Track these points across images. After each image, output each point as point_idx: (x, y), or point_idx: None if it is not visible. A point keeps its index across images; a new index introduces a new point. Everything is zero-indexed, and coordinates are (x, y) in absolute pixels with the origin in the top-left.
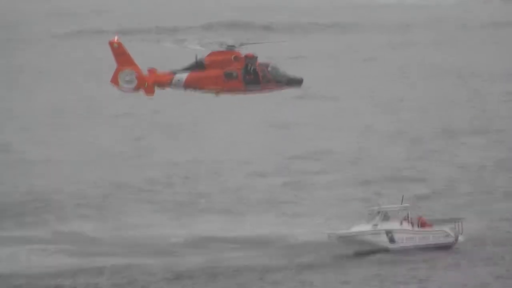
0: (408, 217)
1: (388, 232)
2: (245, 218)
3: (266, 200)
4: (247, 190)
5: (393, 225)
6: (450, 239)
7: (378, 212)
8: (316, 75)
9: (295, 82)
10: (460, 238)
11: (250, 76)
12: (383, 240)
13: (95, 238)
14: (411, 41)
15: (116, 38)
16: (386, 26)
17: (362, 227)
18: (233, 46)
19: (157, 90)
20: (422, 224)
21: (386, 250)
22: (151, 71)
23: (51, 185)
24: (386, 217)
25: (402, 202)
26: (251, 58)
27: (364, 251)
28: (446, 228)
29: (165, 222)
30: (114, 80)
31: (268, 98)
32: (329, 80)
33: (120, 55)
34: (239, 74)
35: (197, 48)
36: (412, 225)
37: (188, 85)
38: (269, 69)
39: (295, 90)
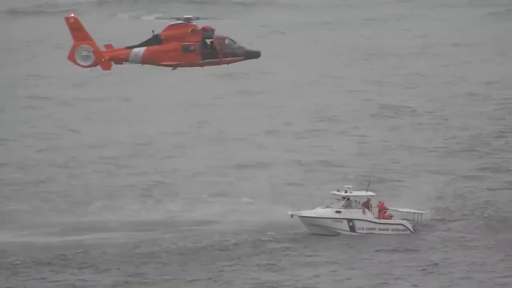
0: (369, 203)
1: (350, 221)
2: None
3: None
4: None
5: (355, 213)
6: (407, 233)
7: (343, 198)
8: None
9: (253, 54)
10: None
11: (208, 49)
12: (344, 228)
13: None
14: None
15: (72, 14)
16: None
17: (325, 211)
18: (189, 18)
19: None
20: (381, 209)
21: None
22: (108, 46)
23: None
24: (349, 203)
25: (367, 189)
26: (208, 31)
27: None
28: (405, 222)
29: None
30: (71, 57)
31: None
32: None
33: (76, 30)
34: (197, 47)
35: (154, 21)
36: (372, 211)
37: (145, 60)
38: (226, 42)
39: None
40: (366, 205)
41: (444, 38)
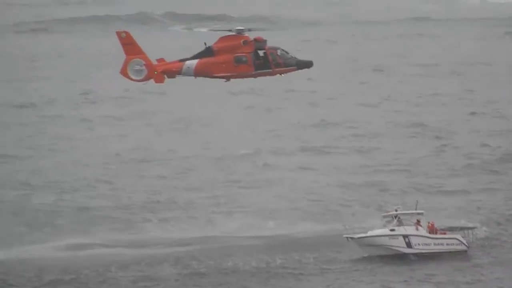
0: (419, 222)
1: (405, 237)
2: None
3: None
4: None
5: (410, 229)
6: (463, 247)
7: (394, 217)
8: None
9: (305, 64)
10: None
11: (260, 60)
12: (401, 245)
13: None
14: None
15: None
16: None
17: (380, 231)
18: (241, 30)
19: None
20: (432, 230)
21: (402, 254)
22: (160, 60)
23: None
24: (400, 222)
25: (416, 207)
26: (260, 42)
27: (380, 255)
28: (459, 236)
29: None
30: (124, 71)
31: None
32: None
33: (128, 44)
34: (249, 58)
35: (206, 32)
36: (424, 228)
37: (198, 72)
38: (279, 52)
39: None
40: (418, 223)
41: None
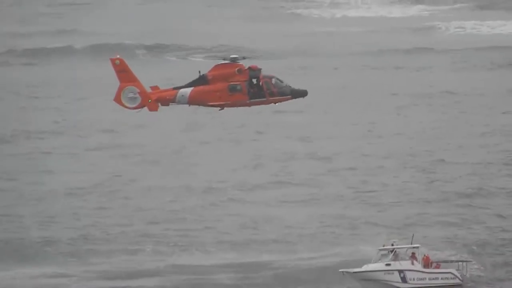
0: (415, 255)
1: (401, 272)
2: None
3: None
4: None
5: (405, 264)
6: (457, 281)
7: (391, 251)
8: None
9: (300, 93)
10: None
11: (254, 89)
12: (396, 280)
13: None
14: None
15: (117, 55)
16: None
17: (375, 265)
18: (236, 58)
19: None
20: (426, 263)
21: None
22: (154, 88)
23: None
24: (396, 256)
25: (412, 241)
26: (254, 70)
27: None
28: (453, 270)
29: None
30: (117, 98)
31: None
32: None
33: (122, 72)
34: (244, 87)
35: (201, 61)
36: (419, 262)
37: (192, 100)
38: (273, 81)
39: None
40: (413, 257)
41: None
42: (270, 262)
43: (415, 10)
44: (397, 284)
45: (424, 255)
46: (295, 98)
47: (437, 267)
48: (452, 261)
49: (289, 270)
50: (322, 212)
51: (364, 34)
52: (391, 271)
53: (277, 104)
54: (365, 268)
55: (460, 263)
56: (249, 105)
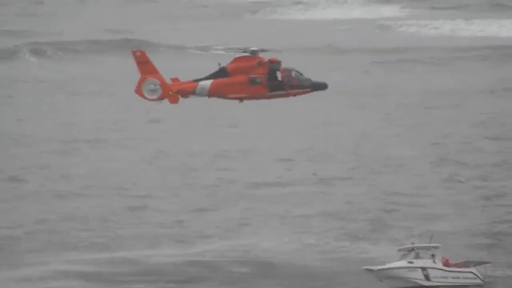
0: (434, 256)
1: (424, 269)
2: None
3: None
4: None
5: (428, 262)
6: (478, 281)
7: (412, 250)
8: None
9: (320, 86)
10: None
11: (274, 81)
12: (419, 277)
13: None
14: None
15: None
16: None
17: (398, 263)
18: (255, 50)
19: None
20: (446, 264)
21: (420, 287)
22: (174, 80)
23: None
24: (417, 255)
25: (430, 241)
26: (274, 63)
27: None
28: (474, 270)
29: None
30: (138, 90)
31: None
32: None
33: (143, 64)
34: (264, 79)
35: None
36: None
37: (212, 92)
38: (293, 74)
39: None
40: (431, 257)
41: None
42: None
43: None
44: (421, 282)
45: (443, 258)
46: (315, 91)
47: (457, 267)
48: (472, 263)
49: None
50: None
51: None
52: (414, 269)
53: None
54: (388, 265)
55: (481, 265)
56: (268, 97)
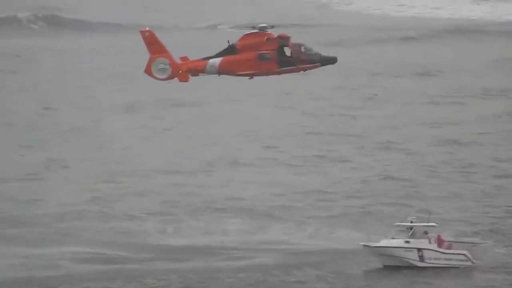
0: (428, 234)
1: (419, 250)
2: None
3: None
4: None
5: (423, 243)
6: (469, 263)
7: (410, 228)
8: None
9: (329, 60)
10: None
11: (284, 57)
12: (414, 258)
13: None
14: None
15: (147, 27)
16: None
17: (396, 241)
18: (264, 27)
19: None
20: (440, 242)
21: (413, 267)
22: (184, 58)
23: None
24: (413, 233)
25: (428, 220)
26: (284, 39)
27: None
28: (466, 252)
29: None
30: (148, 70)
31: None
32: None
33: (152, 44)
34: (273, 55)
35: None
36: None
37: (222, 70)
38: (302, 49)
39: None
40: (425, 235)
41: None
42: None
43: None
44: (415, 263)
45: (437, 235)
46: (325, 65)
47: (449, 247)
48: (464, 243)
49: None
50: None
51: None
52: (410, 249)
53: (306, 71)
54: (385, 243)
55: (474, 245)
56: (279, 73)
